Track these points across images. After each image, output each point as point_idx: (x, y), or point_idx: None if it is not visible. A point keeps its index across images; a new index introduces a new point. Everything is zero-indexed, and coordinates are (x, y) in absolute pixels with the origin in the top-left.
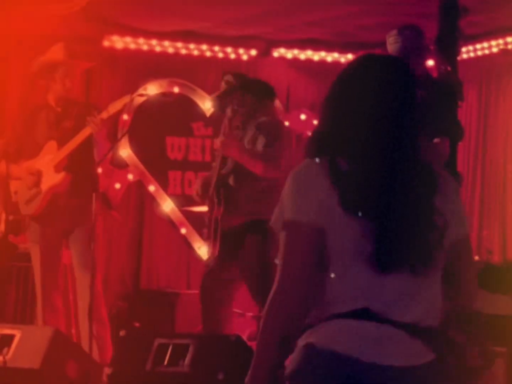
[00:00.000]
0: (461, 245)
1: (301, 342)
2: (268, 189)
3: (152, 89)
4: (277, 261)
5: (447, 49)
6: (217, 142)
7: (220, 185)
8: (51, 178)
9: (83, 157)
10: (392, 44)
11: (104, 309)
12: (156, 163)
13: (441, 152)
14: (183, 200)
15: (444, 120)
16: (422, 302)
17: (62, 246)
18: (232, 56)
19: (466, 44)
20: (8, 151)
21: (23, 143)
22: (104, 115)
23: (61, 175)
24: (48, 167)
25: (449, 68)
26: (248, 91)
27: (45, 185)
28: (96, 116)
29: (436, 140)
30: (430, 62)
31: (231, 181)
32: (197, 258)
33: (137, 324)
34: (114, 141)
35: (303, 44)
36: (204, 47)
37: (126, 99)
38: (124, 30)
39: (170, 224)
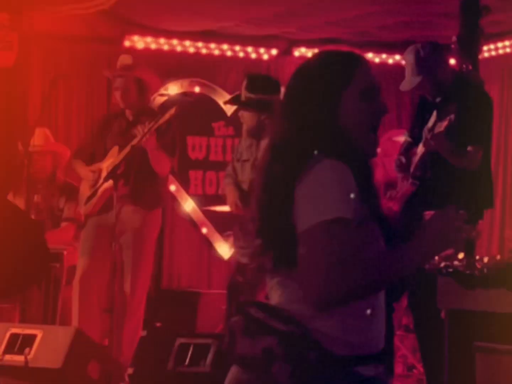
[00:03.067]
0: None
1: None
2: None
3: (173, 89)
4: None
5: (468, 47)
6: None
7: None
8: (107, 181)
9: (140, 164)
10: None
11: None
12: (177, 162)
13: (471, 160)
14: (204, 200)
15: (479, 126)
16: None
17: (112, 246)
18: (253, 55)
19: (487, 42)
20: (81, 154)
21: (96, 148)
22: (153, 125)
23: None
24: (106, 171)
25: (470, 67)
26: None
27: (101, 187)
28: (146, 125)
29: (469, 148)
30: (452, 61)
31: None
32: (218, 258)
33: (158, 324)
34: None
35: (324, 44)
36: (225, 46)
37: (172, 111)
38: (145, 30)
39: (191, 224)
